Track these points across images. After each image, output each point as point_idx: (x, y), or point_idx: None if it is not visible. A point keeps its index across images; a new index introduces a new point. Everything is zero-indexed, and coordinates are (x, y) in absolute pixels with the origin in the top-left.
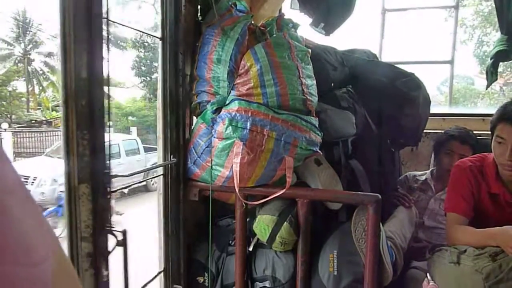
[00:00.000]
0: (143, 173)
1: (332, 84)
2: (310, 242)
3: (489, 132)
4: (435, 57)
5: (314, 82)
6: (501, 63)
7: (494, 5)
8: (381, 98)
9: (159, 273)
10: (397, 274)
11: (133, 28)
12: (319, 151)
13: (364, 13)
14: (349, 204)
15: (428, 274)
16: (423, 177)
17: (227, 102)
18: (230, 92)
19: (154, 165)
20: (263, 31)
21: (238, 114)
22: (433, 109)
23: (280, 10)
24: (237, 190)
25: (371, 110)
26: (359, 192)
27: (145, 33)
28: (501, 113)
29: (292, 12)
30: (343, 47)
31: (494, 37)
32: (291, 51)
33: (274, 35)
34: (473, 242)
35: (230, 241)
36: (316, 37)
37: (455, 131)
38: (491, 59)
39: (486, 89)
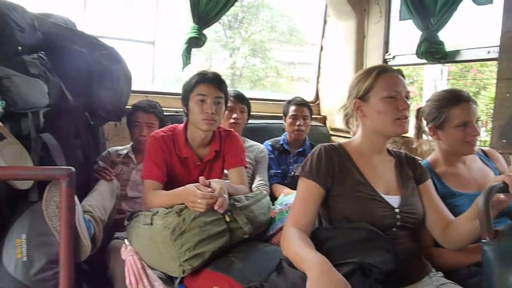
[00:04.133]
0: None
1: (20, 48)
2: None
3: (182, 109)
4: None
5: None
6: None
7: None
8: (80, 69)
9: None
10: (97, 247)
11: None
12: (1, 123)
13: None
14: (40, 181)
15: (126, 240)
16: (125, 151)
17: None
18: None
19: None
20: None
21: None
22: (138, 87)
23: None
24: None
25: (68, 80)
26: (48, 166)
27: None
28: (199, 78)
29: None
30: (36, 10)
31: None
32: None
33: None
34: (164, 203)
35: None
36: None
37: (139, 103)
38: (185, 44)
39: (182, 71)
